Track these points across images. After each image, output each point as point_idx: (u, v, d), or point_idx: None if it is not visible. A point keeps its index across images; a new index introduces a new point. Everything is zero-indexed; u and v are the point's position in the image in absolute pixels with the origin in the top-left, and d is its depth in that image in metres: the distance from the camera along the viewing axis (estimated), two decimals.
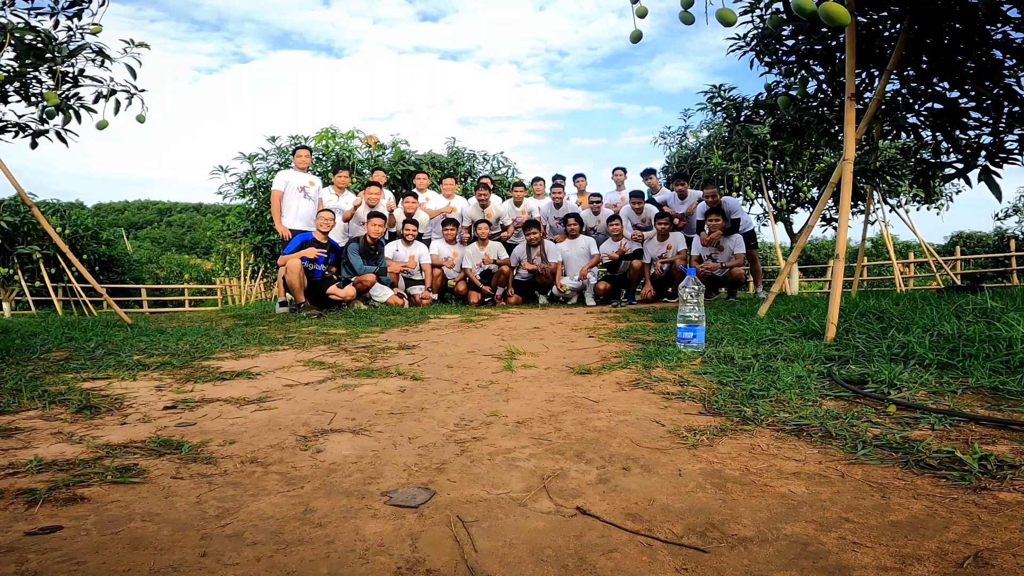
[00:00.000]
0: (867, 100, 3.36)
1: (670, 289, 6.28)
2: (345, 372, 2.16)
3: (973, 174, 2.98)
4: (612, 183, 7.51)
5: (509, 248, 6.84)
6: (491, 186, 7.10)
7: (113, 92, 3.85)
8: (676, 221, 6.49)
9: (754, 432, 1.29)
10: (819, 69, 3.59)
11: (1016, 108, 3.07)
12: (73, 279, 11.81)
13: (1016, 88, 3.03)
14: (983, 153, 3.02)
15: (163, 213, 59.80)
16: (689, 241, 6.37)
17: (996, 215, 21.28)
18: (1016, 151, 3.07)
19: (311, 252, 5.21)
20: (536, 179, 7.74)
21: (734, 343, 2.46)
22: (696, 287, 2.51)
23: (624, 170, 7.44)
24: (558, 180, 7.10)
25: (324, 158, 9.99)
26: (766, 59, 3.68)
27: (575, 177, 7.61)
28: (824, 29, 3.26)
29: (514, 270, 6.64)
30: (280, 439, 1.32)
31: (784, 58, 3.64)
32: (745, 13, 3.49)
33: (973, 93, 3.18)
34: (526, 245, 6.58)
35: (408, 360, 2.44)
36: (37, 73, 3.56)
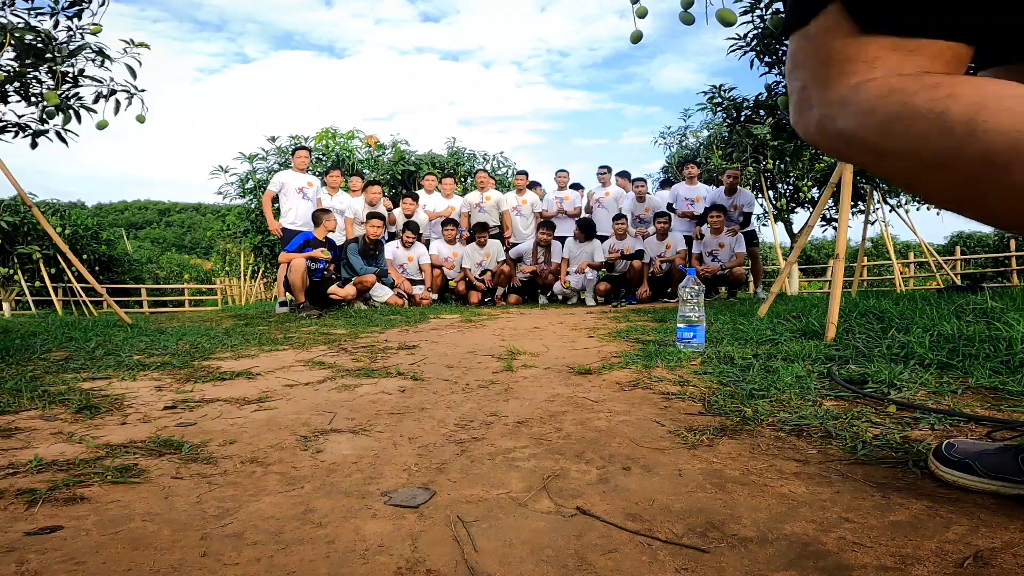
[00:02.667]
0: None
1: (669, 289, 6.28)
2: (345, 372, 2.16)
3: None
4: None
5: (509, 248, 6.87)
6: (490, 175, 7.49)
7: (113, 92, 3.85)
8: (691, 212, 6.50)
9: (754, 432, 1.29)
10: None
11: None
12: (73, 279, 11.82)
13: None
14: None
15: (163, 213, 59.80)
16: (689, 240, 6.38)
17: None
18: None
19: (320, 254, 5.18)
20: (535, 183, 7.84)
21: (734, 343, 2.46)
22: (696, 287, 2.51)
23: (632, 177, 7.47)
24: (561, 173, 7.23)
25: (324, 158, 9.99)
26: (766, 59, 3.68)
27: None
28: None
29: (516, 264, 6.66)
30: (280, 439, 1.32)
31: (784, 58, 3.64)
32: (745, 13, 3.49)
33: None
34: (533, 243, 6.60)
35: (408, 360, 2.44)
36: (37, 73, 3.56)
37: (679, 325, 2.48)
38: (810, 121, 0.64)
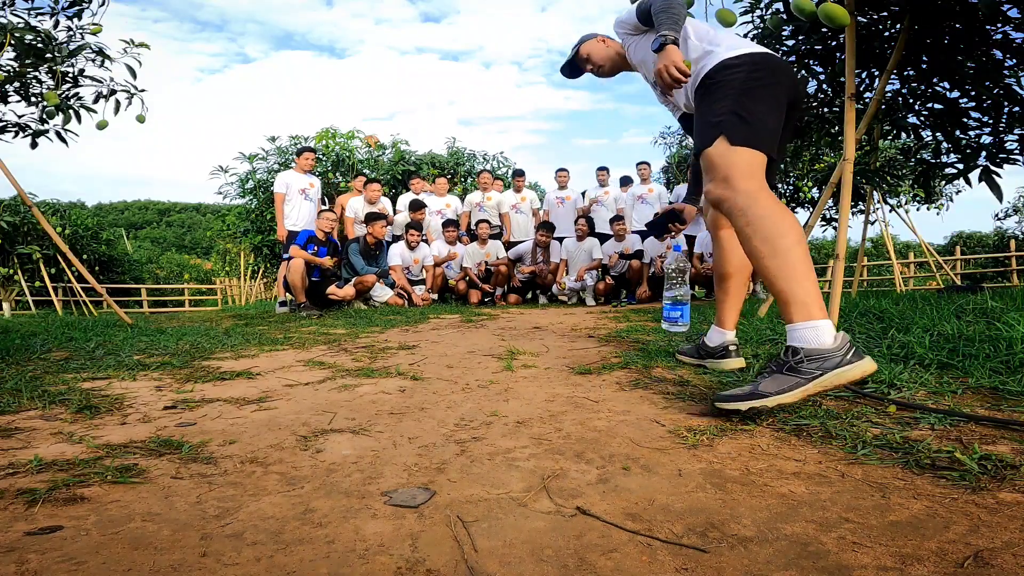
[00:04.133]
0: (867, 100, 3.36)
1: None
2: (345, 372, 2.16)
3: (973, 174, 2.98)
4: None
5: (508, 247, 6.88)
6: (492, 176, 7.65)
7: (113, 92, 3.85)
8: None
9: (754, 432, 1.29)
10: (819, 69, 3.59)
11: (1016, 108, 3.07)
12: (73, 279, 11.82)
13: (1016, 88, 3.03)
14: (983, 153, 3.02)
15: (163, 213, 59.85)
16: (691, 240, 6.38)
17: (996, 215, 21.32)
18: (1016, 151, 3.07)
19: (327, 261, 5.28)
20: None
21: None
22: (682, 264, 2.46)
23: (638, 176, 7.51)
24: (561, 172, 7.32)
25: (324, 158, 10.00)
26: None
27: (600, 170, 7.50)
28: (824, 29, 3.26)
29: (515, 265, 6.66)
30: (280, 439, 1.32)
31: (784, 58, 3.64)
32: (745, 13, 3.48)
33: (973, 93, 3.18)
34: (533, 244, 6.60)
35: (408, 360, 2.44)
36: (37, 73, 3.56)
37: (664, 303, 2.42)
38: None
